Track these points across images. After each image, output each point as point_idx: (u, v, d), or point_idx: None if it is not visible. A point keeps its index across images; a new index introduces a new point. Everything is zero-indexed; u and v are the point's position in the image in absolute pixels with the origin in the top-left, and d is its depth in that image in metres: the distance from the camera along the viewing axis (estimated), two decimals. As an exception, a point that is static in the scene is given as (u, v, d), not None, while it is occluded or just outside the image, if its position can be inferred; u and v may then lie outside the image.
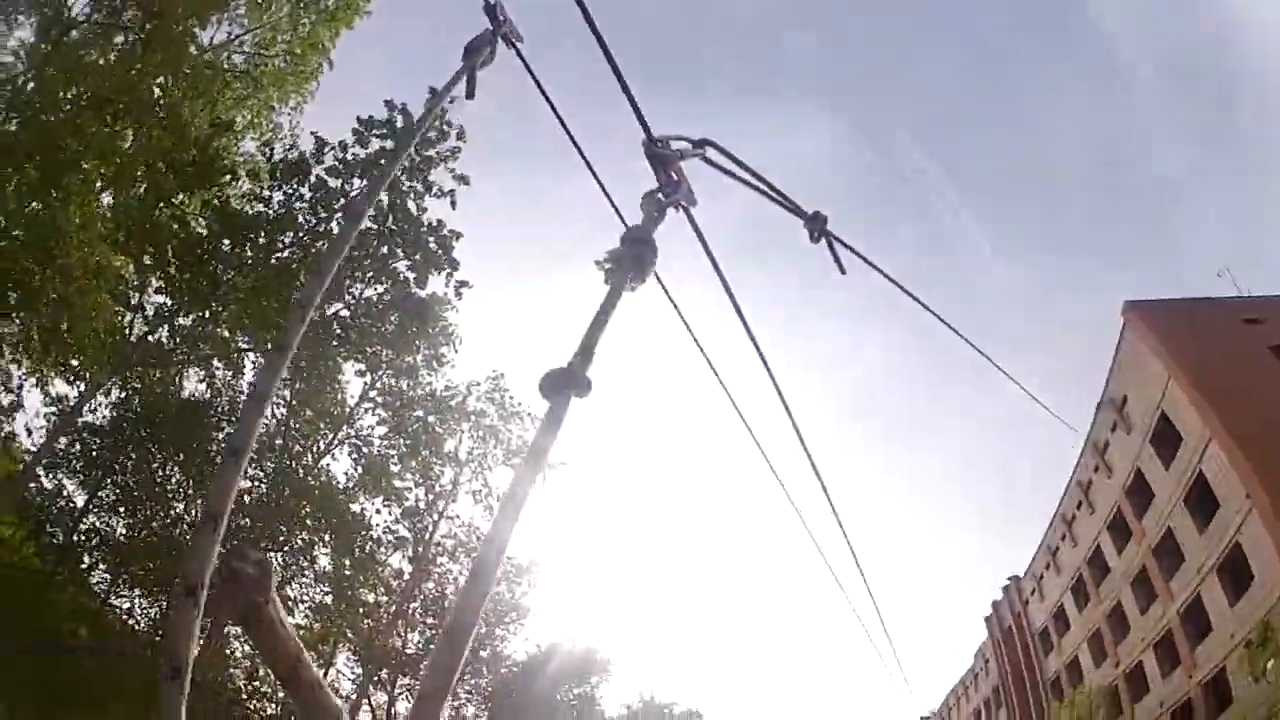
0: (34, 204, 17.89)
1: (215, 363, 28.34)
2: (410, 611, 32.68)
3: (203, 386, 29.32)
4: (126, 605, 28.45)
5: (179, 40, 19.42)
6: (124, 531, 28.37)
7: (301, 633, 29.14)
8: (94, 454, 28.12)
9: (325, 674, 29.10)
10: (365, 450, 29.98)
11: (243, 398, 29.00)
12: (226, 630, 25.45)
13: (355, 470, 30.05)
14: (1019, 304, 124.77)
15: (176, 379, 28.64)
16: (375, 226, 24.54)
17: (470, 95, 4.47)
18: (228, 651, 27.44)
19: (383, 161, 24.37)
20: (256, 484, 28.20)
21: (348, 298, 25.28)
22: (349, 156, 25.12)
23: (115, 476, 28.21)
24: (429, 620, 32.56)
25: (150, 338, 26.50)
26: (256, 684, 27.86)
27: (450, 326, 27.56)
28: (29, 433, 26.83)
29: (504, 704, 37.78)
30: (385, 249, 24.92)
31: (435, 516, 32.33)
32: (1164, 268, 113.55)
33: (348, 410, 29.80)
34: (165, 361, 27.32)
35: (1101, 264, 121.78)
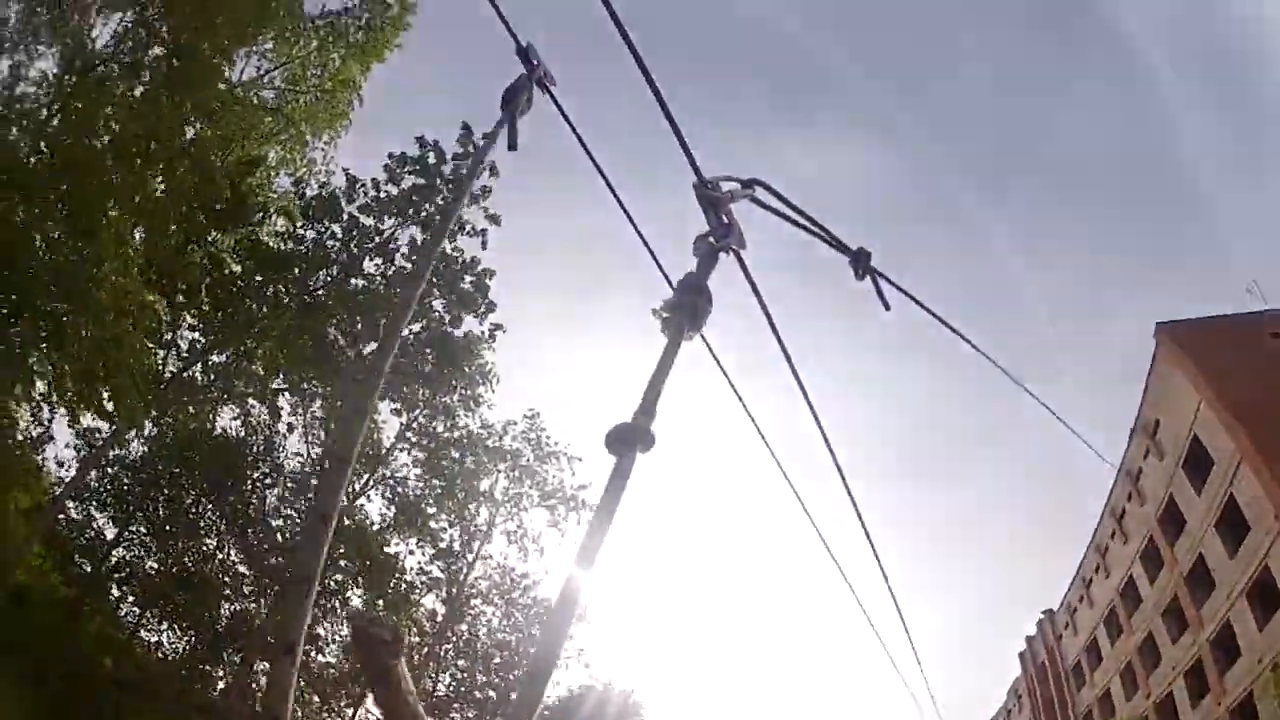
0: (64, 245, 17.91)
1: (250, 400, 28.38)
2: (443, 653, 32.26)
3: (237, 423, 29.38)
4: (155, 640, 28.34)
5: (207, 78, 19.37)
6: (155, 565, 28.41)
7: (331, 671, 29.13)
8: (125, 489, 28.19)
9: (354, 714, 29.08)
10: (400, 490, 29.85)
11: (279, 435, 29.12)
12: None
13: (389, 510, 29.94)
14: (1060, 319, 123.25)
15: (210, 416, 28.53)
16: (409, 265, 24.58)
17: (513, 146, 4.28)
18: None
19: (427, 207, 24.44)
20: (288, 521, 28.20)
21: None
22: (382, 194, 25.20)
23: (147, 510, 28.26)
24: (460, 662, 32.23)
25: (184, 374, 26.59)
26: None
27: (487, 365, 27.51)
28: (59, 465, 26.96)
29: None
30: (421, 288, 24.85)
31: (470, 557, 31.98)
32: (1203, 282, 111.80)
33: (383, 450, 29.55)
34: (199, 398, 27.27)
35: (1139, 279, 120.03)
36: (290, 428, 29.29)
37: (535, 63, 4.04)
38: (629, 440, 2.35)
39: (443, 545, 30.95)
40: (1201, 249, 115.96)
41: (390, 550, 29.00)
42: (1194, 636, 37.05)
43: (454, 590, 31.48)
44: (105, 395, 21.03)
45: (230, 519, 28.09)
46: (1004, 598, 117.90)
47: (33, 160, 17.72)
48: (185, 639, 27.87)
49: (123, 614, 27.89)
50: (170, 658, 27.85)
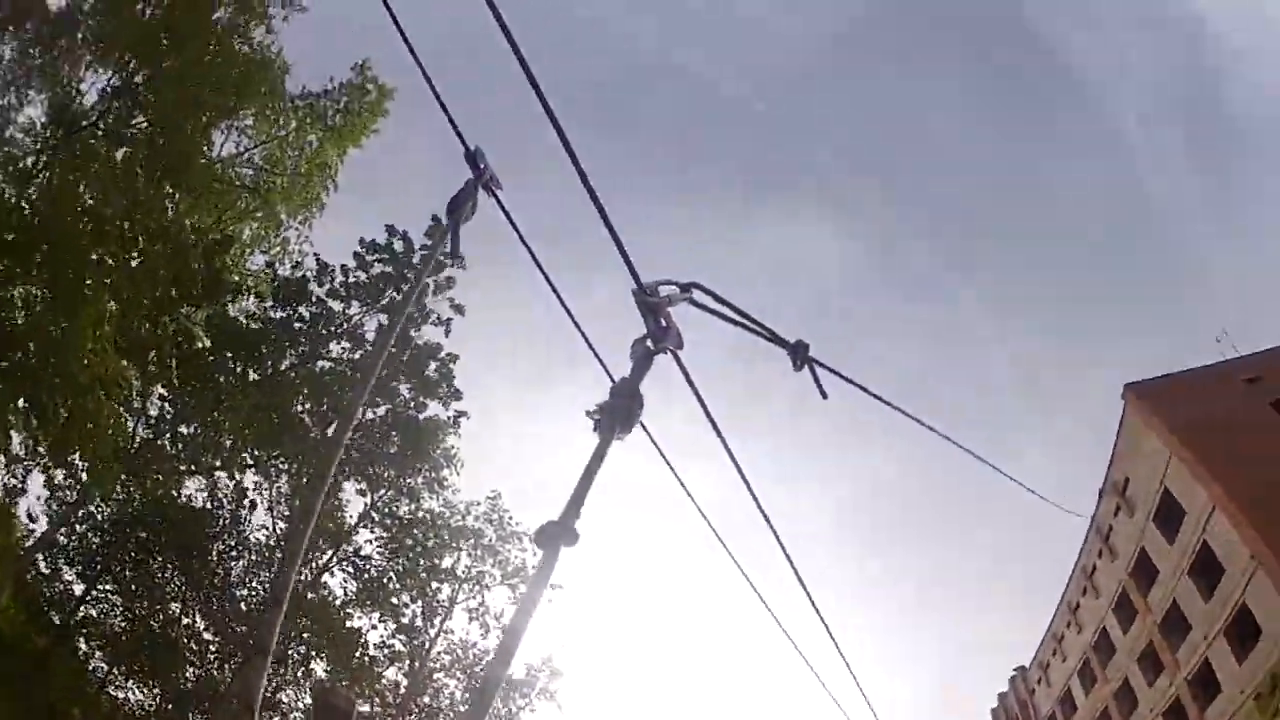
0: (45, 316, 18.05)
1: (218, 472, 28.47)
2: (405, 725, 31.94)
3: (203, 494, 29.44)
4: (122, 696, 28.06)
5: (189, 157, 19.52)
6: (122, 624, 28.28)
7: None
8: (94, 548, 28.10)
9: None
10: (363, 567, 29.87)
11: (243, 510, 29.18)
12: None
13: (352, 586, 29.94)
14: (1027, 381, 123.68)
15: (177, 484, 28.56)
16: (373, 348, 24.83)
17: (454, 254, 4.66)
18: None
19: (394, 294, 24.77)
20: (253, 592, 28.17)
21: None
22: (350, 279, 25.55)
23: (114, 571, 28.16)
24: (423, 733, 31.87)
25: (155, 441, 26.66)
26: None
27: (452, 450, 27.71)
28: (30, 519, 26.88)
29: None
30: (386, 371, 25.19)
31: (432, 633, 31.69)
32: (1176, 332, 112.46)
33: (347, 528, 29.63)
34: (166, 466, 27.38)
35: (1109, 338, 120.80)
36: (253, 504, 29.38)
37: (483, 166, 4.21)
38: (554, 538, 2.53)
39: (405, 620, 30.77)
40: (1173, 298, 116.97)
41: (353, 624, 28.96)
42: (1170, 678, 37.70)
43: (416, 663, 31.30)
44: (78, 459, 21.15)
45: (196, 586, 28.04)
46: (974, 660, 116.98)
47: (14, 211, 17.70)
48: (152, 697, 27.64)
49: (91, 669, 27.65)
50: (137, 714, 27.61)
